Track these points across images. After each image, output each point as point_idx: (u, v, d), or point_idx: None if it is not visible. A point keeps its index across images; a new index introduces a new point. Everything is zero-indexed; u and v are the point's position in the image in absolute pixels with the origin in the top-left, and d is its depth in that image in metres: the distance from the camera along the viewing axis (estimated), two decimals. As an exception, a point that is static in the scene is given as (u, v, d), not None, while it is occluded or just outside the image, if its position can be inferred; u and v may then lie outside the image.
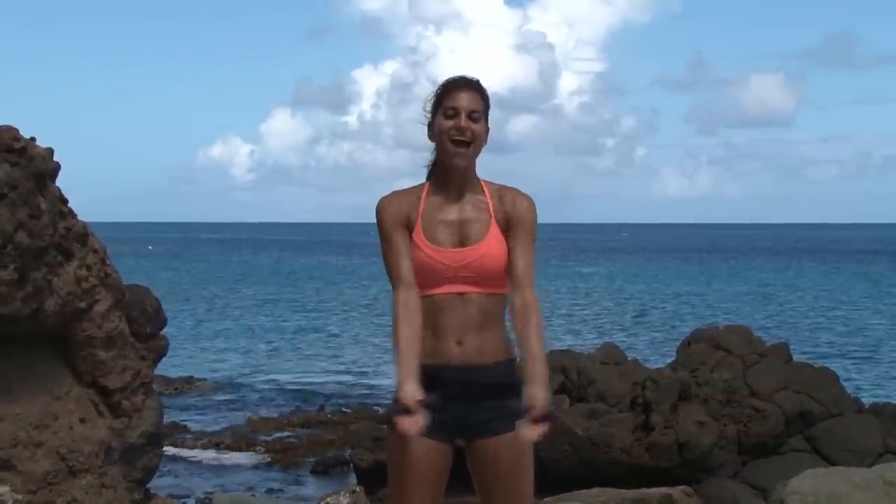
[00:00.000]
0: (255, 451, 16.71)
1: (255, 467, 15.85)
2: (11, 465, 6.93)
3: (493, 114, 3.33)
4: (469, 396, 3.20)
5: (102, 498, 7.29)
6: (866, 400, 15.93)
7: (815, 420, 13.44)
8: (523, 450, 3.23)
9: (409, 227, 3.26)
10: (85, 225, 7.66)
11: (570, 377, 14.02)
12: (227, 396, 22.39)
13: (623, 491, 10.79)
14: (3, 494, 6.75)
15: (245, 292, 53.53)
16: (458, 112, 3.24)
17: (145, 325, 8.54)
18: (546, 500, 9.62)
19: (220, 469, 15.71)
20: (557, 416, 3.22)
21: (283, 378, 25.15)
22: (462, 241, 3.23)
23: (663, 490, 10.86)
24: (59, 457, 7.15)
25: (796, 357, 15.28)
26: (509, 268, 3.24)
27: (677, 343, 15.86)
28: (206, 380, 24.14)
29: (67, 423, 7.33)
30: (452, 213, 3.27)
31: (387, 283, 3.29)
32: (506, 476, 3.24)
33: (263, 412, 20.24)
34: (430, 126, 3.32)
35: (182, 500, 13.40)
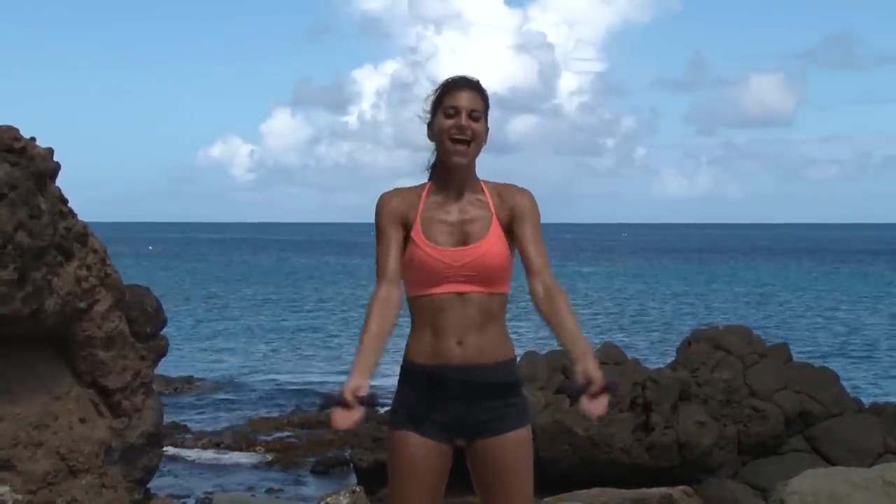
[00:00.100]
0: (255, 450, 16.71)
1: (255, 467, 15.86)
2: (11, 465, 6.93)
3: (493, 114, 3.33)
4: (470, 396, 3.19)
5: (102, 498, 7.29)
6: (866, 399, 15.93)
7: (815, 420, 13.44)
8: (523, 450, 3.23)
9: (406, 225, 3.26)
10: (85, 225, 7.66)
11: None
12: (227, 396, 22.39)
13: (623, 491, 10.79)
14: (3, 494, 6.74)
15: (245, 292, 53.52)
16: (459, 111, 3.24)
17: (145, 325, 8.54)
18: (546, 500, 9.61)
19: (220, 469, 15.70)
20: (618, 384, 3.13)
21: (282, 378, 25.15)
22: (463, 241, 3.22)
23: (663, 490, 10.85)
24: (59, 457, 7.15)
25: (796, 357, 15.27)
26: (523, 258, 3.24)
27: (677, 343, 15.87)
28: (205, 379, 24.15)
29: (67, 423, 7.33)
30: (453, 212, 3.26)
31: None
32: (506, 476, 3.23)
33: (263, 412, 20.24)
34: (430, 126, 3.32)
35: (182, 500, 13.40)
